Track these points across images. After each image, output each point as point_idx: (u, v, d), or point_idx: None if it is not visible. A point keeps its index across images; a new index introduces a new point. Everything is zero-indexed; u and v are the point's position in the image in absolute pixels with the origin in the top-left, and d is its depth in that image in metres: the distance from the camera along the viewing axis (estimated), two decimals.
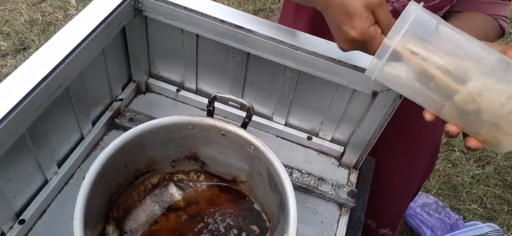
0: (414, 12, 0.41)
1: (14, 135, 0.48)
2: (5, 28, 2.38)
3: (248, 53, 0.65)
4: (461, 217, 1.47)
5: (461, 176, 1.67)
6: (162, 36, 0.70)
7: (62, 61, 0.52)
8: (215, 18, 0.61)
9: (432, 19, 0.42)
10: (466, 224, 1.45)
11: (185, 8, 0.61)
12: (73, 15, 2.44)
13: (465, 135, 0.43)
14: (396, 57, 0.42)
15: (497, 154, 1.73)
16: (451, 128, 0.42)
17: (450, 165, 1.71)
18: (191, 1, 0.62)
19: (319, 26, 0.71)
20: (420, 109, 0.44)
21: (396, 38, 0.41)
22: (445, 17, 0.68)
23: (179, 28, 0.65)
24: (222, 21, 0.61)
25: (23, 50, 2.21)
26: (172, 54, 0.72)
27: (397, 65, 0.42)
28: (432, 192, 1.60)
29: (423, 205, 1.45)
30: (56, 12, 2.48)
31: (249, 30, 0.60)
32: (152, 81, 0.77)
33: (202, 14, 0.61)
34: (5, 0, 2.69)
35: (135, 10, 0.64)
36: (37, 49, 2.36)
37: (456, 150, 1.75)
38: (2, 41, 2.30)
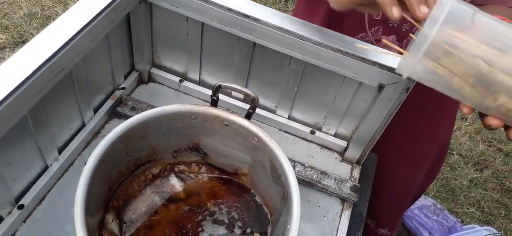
0: (450, 1, 0.38)
1: (16, 116, 0.47)
2: (4, 21, 2.37)
3: (254, 43, 0.65)
4: (459, 220, 1.47)
5: (459, 179, 1.67)
6: (166, 25, 0.69)
7: (67, 43, 0.51)
8: (221, 6, 0.60)
9: (468, 8, 0.39)
10: (464, 227, 1.45)
11: None
12: None
13: (507, 127, 0.42)
14: (431, 51, 0.38)
15: (495, 159, 1.73)
16: (493, 122, 0.40)
17: (448, 169, 1.71)
18: None
19: (335, 21, 0.70)
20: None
21: (433, 29, 0.37)
22: None
23: (184, 16, 0.65)
24: (229, 9, 0.60)
25: (21, 43, 2.20)
26: (176, 43, 0.72)
27: (432, 61, 0.39)
28: (430, 195, 1.60)
29: (421, 207, 1.45)
30: (55, 6, 2.46)
31: (256, 19, 0.60)
32: (154, 70, 0.77)
33: (208, 1, 0.60)
34: None
35: None
36: None
37: (455, 153, 1.75)
38: (1, 34, 2.28)
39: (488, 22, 0.39)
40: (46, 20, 2.37)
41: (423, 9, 0.39)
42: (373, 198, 0.74)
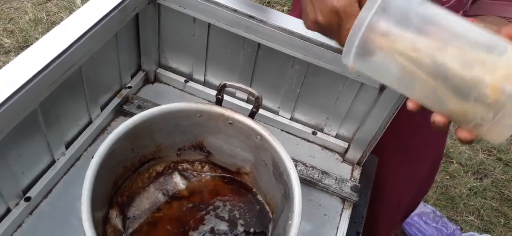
0: None
1: (27, 108, 0.49)
2: (9, 25, 2.39)
3: (259, 44, 0.66)
4: (458, 227, 1.48)
5: (459, 187, 1.67)
6: (173, 26, 0.71)
7: (77, 40, 0.53)
8: (228, 7, 0.62)
9: (404, 1, 0.38)
10: (463, 234, 1.45)
11: None
12: None
13: (457, 126, 0.39)
14: (369, 40, 0.38)
15: (494, 168, 1.74)
16: (437, 118, 0.39)
17: (448, 177, 1.72)
18: None
19: None
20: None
21: (370, 12, 0.37)
22: None
23: (191, 17, 0.67)
24: (235, 10, 0.62)
25: (26, 47, 2.22)
26: (183, 44, 0.73)
27: (376, 49, 0.38)
28: (429, 202, 1.61)
29: (421, 214, 1.46)
30: (61, 12, 2.49)
31: (261, 20, 0.62)
32: (161, 71, 0.78)
33: (215, 2, 0.62)
34: None
35: None
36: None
37: (454, 162, 1.76)
38: (6, 38, 2.31)
39: (435, 12, 0.38)
40: (51, 25, 2.40)
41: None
42: (367, 213, 0.73)
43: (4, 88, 0.45)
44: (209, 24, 0.67)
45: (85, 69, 0.59)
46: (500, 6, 0.63)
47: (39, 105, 0.51)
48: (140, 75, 0.77)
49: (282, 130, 0.78)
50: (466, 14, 0.66)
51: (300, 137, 0.77)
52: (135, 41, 0.72)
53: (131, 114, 0.70)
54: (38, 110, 0.52)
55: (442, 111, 0.39)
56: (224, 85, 0.63)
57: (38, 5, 2.63)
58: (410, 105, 0.40)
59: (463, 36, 0.37)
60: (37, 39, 2.26)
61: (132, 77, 0.76)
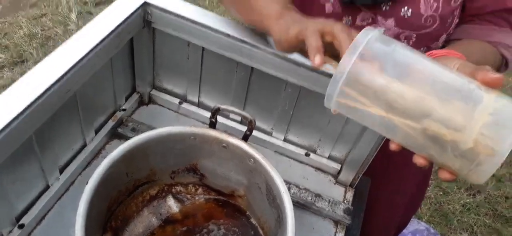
0: (369, 36, 0.40)
1: (23, 136, 0.49)
2: (3, 40, 2.39)
3: (252, 68, 0.67)
4: None
5: (452, 204, 1.68)
6: (168, 49, 0.72)
7: (73, 67, 0.53)
8: (221, 32, 0.63)
9: (387, 45, 0.40)
10: None
11: (193, 21, 0.64)
12: (73, 30, 2.46)
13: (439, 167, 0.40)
14: (352, 85, 0.40)
15: (487, 184, 1.76)
16: (418, 160, 0.40)
17: (441, 193, 1.73)
18: (199, 14, 0.65)
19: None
20: None
21: (349, 62, 0.39)
22: (444, 46, 0.69)
23: (186, 40, 0.67)
24: (228, 35, 0.63)
25: (21, 63, 2.22)
26: (177, 66, 0.74)
27: (353, 94, 0.40)
28: (423, 219, 1.61)
29: (415, 231, 1.46)
30: (56, 27, 2.50)
31: (254, 45, 0.63)
32: (155, 92, 0.79)
33: (209, 27, 0.63)
34: (5, 13, 2.71)
35: (144, 21, 0.66)
36: (35, 62, 2.36)
37: None
38: (0, 53, 2.30)
39: (407, 58, 0.40)
40: (46, 40, 2.40)
41: (317, 59, 0.44)
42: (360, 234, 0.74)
43: (1, 118, 0.45)
44: (203, 47, 0.68)
45: (80, 93, 0.60)
46: (483, 30, 0.64)
47: (34, 132, 0.52)
48: (135, 97, 0.77)
49: (275, 151, 0.78)
50: (450, 38, 0.68)
51: (294, 159, 0.78)
52: (130, 63, 0.73)
53: (126, 137, 0.70)
54: (33, 137, 0.52)
55: (423, 155, 0.40)
56: (218, 109, 0.64)
57: (33, 20, 2.64)
58: (393, 146, 0.42)
59: (440, 85, 0.38)
60: (31, 54, 2.26)
61: (126, 99, 0.76)
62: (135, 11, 0.62)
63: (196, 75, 0.74)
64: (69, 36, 2.45)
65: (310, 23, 0.47)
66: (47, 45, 2.35)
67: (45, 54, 2.26)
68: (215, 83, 0.74)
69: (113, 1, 2.49)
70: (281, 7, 0.53)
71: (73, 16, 2.58)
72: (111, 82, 0.69)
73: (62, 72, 0.51)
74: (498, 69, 0.67)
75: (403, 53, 0.40)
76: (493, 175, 1.77)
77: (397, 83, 0.38)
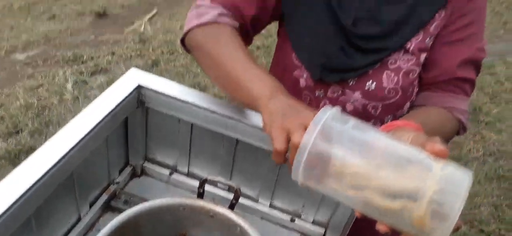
0: (326, 115, 0.45)
1: (22, 217, 0.53)
2: (0, 111, 2.44)
3: (237, 140, 0.73)
4: None
5: None
6: (160, 125, 0.78)
7: (72, 149, 0.58)
8: (208, 109, 0.70)
9: (343, 123, 0.45)
10: None
11: (182, 100, 0.70)
12: (68, 100, 2.53)
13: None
14: (312, 162, 0.44)
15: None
16: (380, 227, 0.43)
17: None
18: (188, 94, 0.71)
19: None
20: None
21: (309, 140, 0.43)
22: (408, 112, 0.74)
23: (176, 117, 0.74)
24: (214, 111, 0.70)
25: (16, 133, 2.25)
26: (168, 140, 0.80)
27: (314, 170, 0.44)
28: None
29: None
30: (52, 97, 2.57)
31: (238, 120, 0.69)
32: (147, 164, 0.84)
33: (197, 106, 0.70)
34: (3, 84, 2.80)
35: (138, 102, 0.73)
36: (30, 132, 2.40)
37: None
38: None
39: (360, 135, 0.45)
40: (42, 110, 2.46)
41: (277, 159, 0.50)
42: None
43: (2, 201, 0.49)
44: (192, 123, 0.74)
45: (77, 172, 0.64)
46: (439, 97, 0.70)
47: (33, 212, 0.55)
48: (128, 169, 0.82)
49: (262, 217, 0.82)
50: (414, 104, 0.74)
51: (279, 224, 0.81)
52: (124, 139, 0.78)
53: (119, 210, 0.73)
54: (32, 217, 0.56)
55: (383, 223, 0.44)
56: (205, 180, 0.69)
57: (30, 90, 2.72)
58: (356, 214, 0.45)
59: (393, 158, 0.43)
60: (26, 124, 2.30)
61: (120, 171, 0.81)
62: (130, 93, 0.68)
63: (186, 147, 0.79)
64: (65, 106, 2.52)
65: (285, 120, 0.50)
66: (43, 115, 2.41)
67: (41, 124, 2.31)
68: (203, 154, 0.80)
69: (108, 71, 2.61)
70: (271, 88, 0.56)
71: (69, 86, 2.67)
72: (106, 158, 0.74)
73: (61, 155, 0.56)
74: (457, 133, 0.73)
75: (358, 129, 0.46)
76: (483, 231, 1.80)
77: (352, 157, 0.43)
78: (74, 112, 2.42)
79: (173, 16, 3.85)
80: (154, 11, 3.96)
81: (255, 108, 0.57)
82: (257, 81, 0.57)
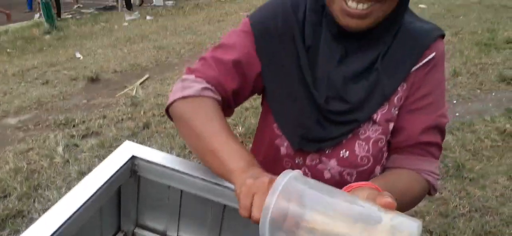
0: (286, 177, 0.50)
1: None
2: None
3: (224, 205, 0.77)
4: None
5: None
6: (151, 192, 0.82)
7: (67, 220, 0.62)
8: (196, 177, 0.74)
9: (303, 183, 0.50)
10: None
11: (172, 169, 0.75)
12: (58, 163, 2.55)
13: None
14: (276, 223, 0.49)
15: None
16: None
17: None
18: (177, 163, 0.77)
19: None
20: None
21: (271, 200, 0.48)
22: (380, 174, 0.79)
23: (167, 185, 0.78)
24: (203, 179, 0.74)
25: (3, 197, 2.24)
26: (158, 206, 0.83)
27: (279, 227, 0.49)
28: None
29: None
30: (42, 160, 2.58)
31: (225, 186, 0.73)
32: (138, 230, 0.86)
33: (186, 173, 0.75)
34: None
35: (131, 172, 0.77)
36: (18, 197, 2.40)
37: None
38: None
39: (315, 196, 0.50)
40: (31, 174, 2.46)
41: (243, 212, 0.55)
42: None
43: None
44: (181, 190, 0.79)
45: None
46: (408, 160, 0.76)
47: None
48: (120, 235, 0.84)
49: None
50: (384, 168, 0.79)
51: None
52: (116, 207, 0.82)
53: None
54: None
55: None
56: None
57: (20, 154, 2.73)
58: None
59: (348, 212, 0.48)
60: (15, 188, 2.29)
61: None
62: (124, 164, 0.73)
63: (175, 213, 0.83)
64: (55, 169, 2.55)
65: (252, 186, 0.55)
66: (32, 178, 2.41)
67: (29, 188, 2.31)
68: (192, 219, 0.83)
69: (99, 134, 2.67)
70: (245, 162, 0.60)
71: (60, 149, 2.69)
72: (99, 226, 0.77)
73: (56, 227, 0.60)
74: (428, 193, 0.78)
75: (317, 189, 0.51)
76: None
77: (311, 214, 0.48)
78: (64, 175, 2.43)
79: (164, 81, 3.98)
80: (146, 76, 4.09)
81: (229, 180, 0.61)
82: (233, 155, 0.62)
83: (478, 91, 3.53)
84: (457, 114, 3.17)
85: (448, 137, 2.84)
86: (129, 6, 8.18)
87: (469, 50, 4.41)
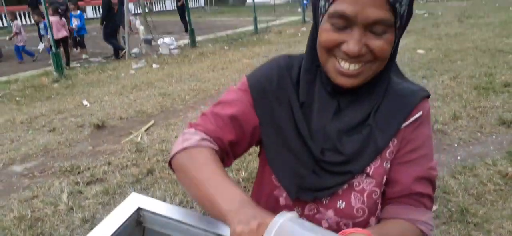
0: (282, 219, 0.52)
1: None
2: None
3: None
4: None
5: None
6: None
7: None
8: (199, 228, 0.77)
9: (298, 225, 0.53)
10: None
11: (177, 220, 0.78)
12: (62, 210, 2.56)
13: None
14: None
15: None
16: None
17: None
18: (182, 214, 0.80)
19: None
20: None
21: None
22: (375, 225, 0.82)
23: (170, 235, 0.81)
24: (205, 230, 0.77)
25: None
26: None
27: None
28: None
29: None
30: (46, 208, 2.60)
31: None
32: None
33: (190, 224, 0.78)
34: None
35: (136, 222, 0.81)
36: None
37: None
38: None
39: None
40: (35, 222, 2.47)
41: None
42: None
43: None
44: None
45: None
46: (402, 209, 0.79)
47: None
48: None
49: None
50: (378, 218, 0.82)
51: None
52: None
53: None
54: None
55: None
56: None
57: (24, 201, 2.75)
58: None
59: None
60: None
61: None
62: (130, 215, 0.77)
63: None
64: (58, 217, 2.58)
65: (247, 226, 0.58)
66: (36, 226, 2.42)
67: None
68: None
69: (103, 181, 2.73)
70: (239, 203, 0.63)
71: (64, 196, 2.72)
72: None
73: None
74: None
75: (312, 230, 0.53)
76: None
77: None
78: (67, 223, 2.44)
79: (169, 127, 4.05)
80: (151, 122, 4.17)
81: (224, 223, 0.64)
82: (225, 197, 0.65)
83: (479, 134, 3.56)
84: (458, 157, 3.19)
85: (450, 181, 2.84)
86: (117, 56, 8.36)
87: (468, 94, 4.49)
